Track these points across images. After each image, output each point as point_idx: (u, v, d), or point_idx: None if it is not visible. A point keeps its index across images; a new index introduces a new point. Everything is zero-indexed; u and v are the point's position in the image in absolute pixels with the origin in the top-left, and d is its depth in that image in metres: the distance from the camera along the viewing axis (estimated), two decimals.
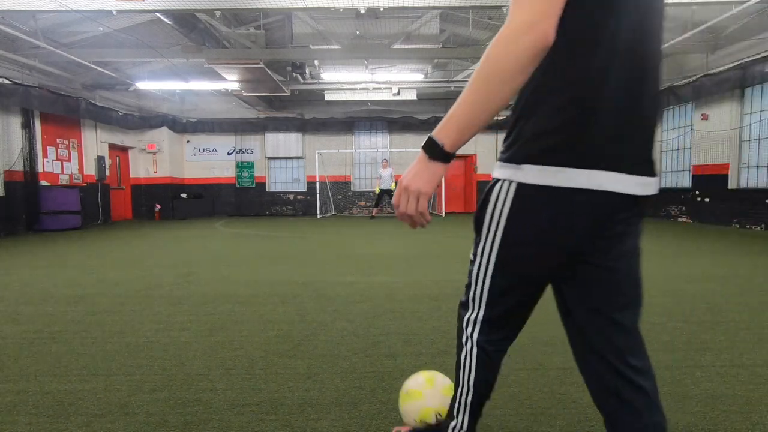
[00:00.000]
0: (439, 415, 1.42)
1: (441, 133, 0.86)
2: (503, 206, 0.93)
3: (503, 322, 1.08)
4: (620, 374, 0.92)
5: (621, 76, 0.84)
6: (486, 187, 0.99)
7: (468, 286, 1.09)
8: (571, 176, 0.84)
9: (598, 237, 0.90)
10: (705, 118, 9.76)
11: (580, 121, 0.84)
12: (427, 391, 1.48)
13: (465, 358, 1.13)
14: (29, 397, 1.91)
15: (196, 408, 1.81)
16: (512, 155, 0.91)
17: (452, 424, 1.19)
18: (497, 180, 0.95)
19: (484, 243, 1.00)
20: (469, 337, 1.12)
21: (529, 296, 1.04)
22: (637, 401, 0.91)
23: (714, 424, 1.65)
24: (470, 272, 1.07)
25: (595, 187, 0.85)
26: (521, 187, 0.90)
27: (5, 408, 1.83)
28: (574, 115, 0.84)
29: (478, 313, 1.08)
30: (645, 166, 0.89)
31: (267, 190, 15.24)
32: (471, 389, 1.14)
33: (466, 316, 1.12)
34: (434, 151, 0.86)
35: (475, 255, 1.05)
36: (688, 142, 10.63)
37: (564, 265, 0.94)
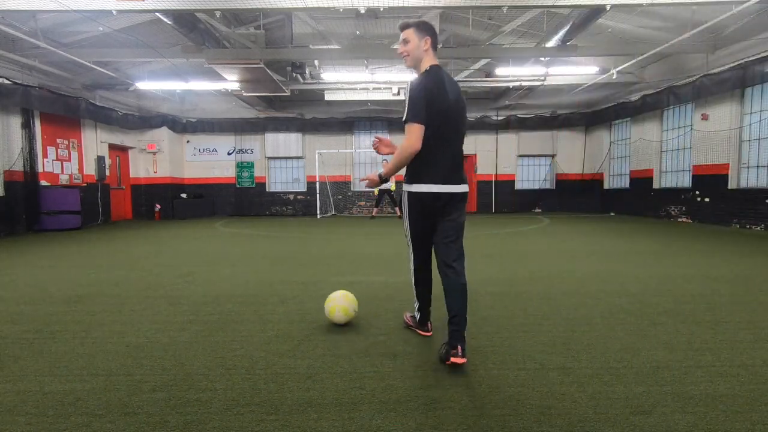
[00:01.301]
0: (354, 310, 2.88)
1: (384, 172, 2.44)
2: (405, 200, 2.42)
3: (421, 250, 2.51)
4: (444, 259, 2.34)
5: (444, 151, 2.28)
6: (402, 192, 2.46)
7: (407, 239, 2.53)
8: (427, 186, 2.28)
9: (441, 209, 2.32)
10: (705, 118, 9.76)
11: (428, 169, 2.28)
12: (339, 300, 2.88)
13: (411, 276, 2.61)
14: (29, 397, 1.91)
15: (196, 408, 1.81)
16: (408, 180, 2.37)
17: (415, 308, 2.69)
18: (404, 190, 2.42)
19: (404, 218, 2.48)
20: (411, 264, 2.58)
21: (426, 235, 2.44)
22: (450, 270, 2.32)
23: (714, 424, 1.65)
24: (405, 234, 2.53)
25: (436, 190, 2.27)
26: (409, 194, 2.38)
27: (5, 408, 1.83)
28: (426, 166, 2.29)
29: (410, 249, 2.54)
30: (457, 180, 2.31)
31: (267, 190, 15.24)
32: (413, 289, 2.62)
33: (408, 255, 2.58)
34: (381, 178, 2.48)
35: (404, 225, 2.50)
36: (688, 142, 10.62)
37: (431, 219, 2.38)
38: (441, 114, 2.24)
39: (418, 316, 2.64)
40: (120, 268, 5.00)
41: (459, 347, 2.12)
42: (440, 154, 2.28)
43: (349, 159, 15.13)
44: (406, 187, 2.38)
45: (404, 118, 2.24)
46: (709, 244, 6.57)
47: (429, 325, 2.65)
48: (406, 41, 2.36)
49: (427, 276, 2.58)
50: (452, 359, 2.11)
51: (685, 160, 10.79)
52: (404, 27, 2.37)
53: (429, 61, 2.36)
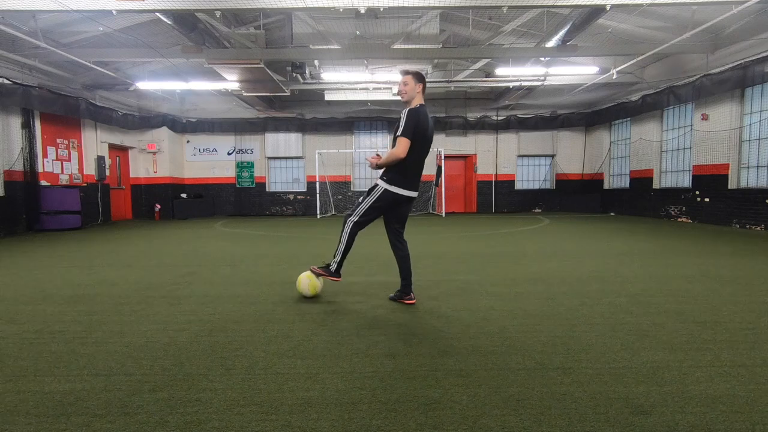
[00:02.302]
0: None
1: (380, 163, 3.30)
2: (380, 191, 3.29)
3: (368, 222, 3.37)
4: (397, 239, 3.44)
5: (418, 165, 3.32)
6: (374, 184, 3.37)
7: (355, 210, 3.34)
8: (399, 189, 3.28)
9: (404, 205, 3.40)
10: (705, 118, 9.76)
11: (406, 178, 3.29)
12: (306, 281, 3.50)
13: (346, 229, 3.35)
14: (29, 397, 1.91)
15: (196, 408, 1.81)
16: (389, 182, 3.27)
17: (333, 261, 3.43)
18: (380, 185, 3.30)
19: (370, 198, 3.30)
20: (348, 222, 3.34)
21: (377, 216, 3.37)
22: (400, 245, 3.43)
23: (714, 424, 1.65)
24: (357, 205, 3.35)
25: (404, 193, 3.30)
26: (385, 190, 3.28)
27: (5, 408, 1.83)
28: (401, 173, 3.28)
29: (355, 218, 3.33)
30: (416, 187, 3.36)
31: (267, 190, 15.24)
32: (345, 243, 3.36)
33: (350, 218, 3.35)
34: (378, 166, 3.34)
35: (363, 200, 3.34)
36: (688, 142, 10.63)
37: (390, 209, 3.37)
38: (422, 136, 3.21)
39: (336, 265, 3.39)
40: (120, 268, 5.00)
41: (412, 293, 3.39)
42: (416, 168, 3.30)
43: (349, 159, 15.12)
44: (386, 186, 3.25)
45: (399, 133, 3.15)
46: (709, 244, 6.57)
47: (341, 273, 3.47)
48: (405, 83, 3.25)
49: (354, 237, 3.38)
50: (407, 301, 3.36)
51: (685, 160, 10.79)
52: (405, 73, 3.28)
53: (419, 99, 3.28)
